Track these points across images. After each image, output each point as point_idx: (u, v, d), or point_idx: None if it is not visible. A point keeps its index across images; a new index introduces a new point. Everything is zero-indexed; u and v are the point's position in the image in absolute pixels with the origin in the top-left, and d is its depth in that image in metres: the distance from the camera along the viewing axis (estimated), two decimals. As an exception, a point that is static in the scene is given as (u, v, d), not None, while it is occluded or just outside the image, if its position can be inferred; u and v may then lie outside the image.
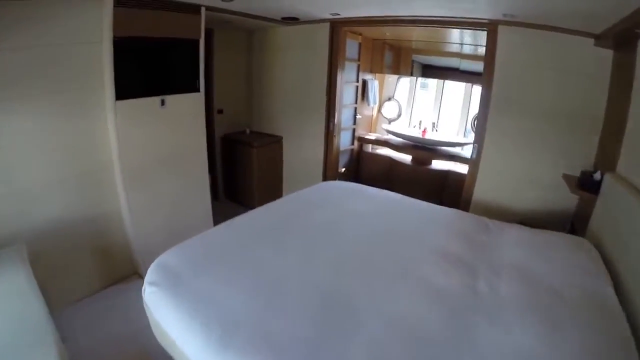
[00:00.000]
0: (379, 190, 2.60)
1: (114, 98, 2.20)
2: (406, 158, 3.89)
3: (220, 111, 3.70)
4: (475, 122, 2.81)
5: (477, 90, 3.80)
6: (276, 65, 3.68)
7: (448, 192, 3.61)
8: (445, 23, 2.67)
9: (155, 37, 2.35)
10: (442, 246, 1.78)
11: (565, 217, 2.50)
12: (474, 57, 3.74)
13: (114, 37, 2.12)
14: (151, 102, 2.43)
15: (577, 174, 2.24)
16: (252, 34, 3.79)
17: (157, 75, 2.45)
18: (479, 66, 3.70)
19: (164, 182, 2.59)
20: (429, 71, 4.00)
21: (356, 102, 3.87)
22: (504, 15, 2.31)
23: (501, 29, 2.47)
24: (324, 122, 3.41)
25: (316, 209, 2.15)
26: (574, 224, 2.40)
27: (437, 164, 3.72)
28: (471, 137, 3.72)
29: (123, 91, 2.25)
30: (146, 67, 2.38)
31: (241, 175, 3.74)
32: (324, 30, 3.20)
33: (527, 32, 2.40)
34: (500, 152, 2.64)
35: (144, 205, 2.49)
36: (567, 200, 2.43)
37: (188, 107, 2.66)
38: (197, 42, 2.59)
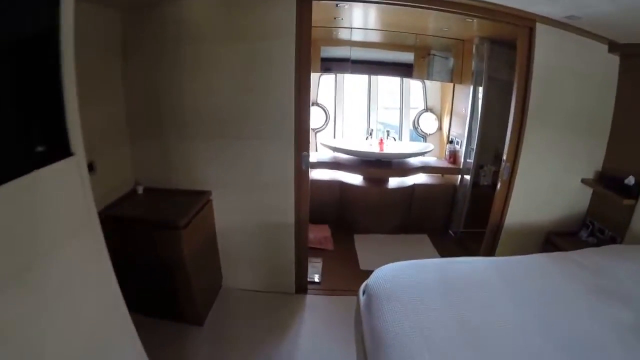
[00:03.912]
0: (459, 261, 1.76)
1: None
2: (356, 179, 3.07)
3: (88, 167, 1.63)
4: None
5: (414, 85, 3.41)
6: (187, 71, 2.01)
7: (417, 210, 3.14)
8: (470, 8, 1.96)
9: None
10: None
11: (580, 218, 2.53)
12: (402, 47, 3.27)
13: None
14: None
15: (589, 176, 2.43)
16: (128, 15, 1.95)
17: None
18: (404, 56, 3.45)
19: None
20: (354, 66, 3.19)
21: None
22: (567, 17, 1.90)
23: (539, 27, 2.03)
24: (291, 155, 2.07)
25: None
26: (593, 223, 2.46)
27: (395, 180, 3.13)
28: (419, 141, 3.35)
29: None
30: None
31: (157, 274, 1.97)
32: (285, 5, 1.84)
33: (560, 34, 2.07)
34: (533, 168, 2.31)
35: None
36: (580, 202, 2.50)
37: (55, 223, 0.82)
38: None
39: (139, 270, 2.01)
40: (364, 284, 1.71)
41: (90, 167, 1.80)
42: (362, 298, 1.63)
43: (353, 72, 3.11)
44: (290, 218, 2.20)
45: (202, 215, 2.06)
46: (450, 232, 3.18)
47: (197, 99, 2.07)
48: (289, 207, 2.18)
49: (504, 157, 2.28)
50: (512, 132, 2.21)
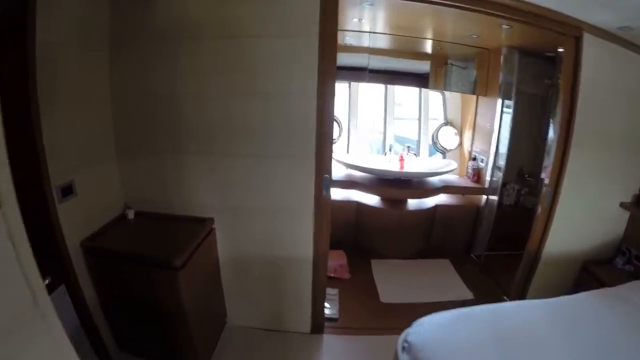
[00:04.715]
0: (509, 309, 1.54)
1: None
2: (372, 199, 2.83)
3: (68, 190, 1.53)
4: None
5: (433, 96, 3.20)
6: (186, 73, 1.75)
7: (438, 233, 2.90)
8: (515, 12, 1.75)
9: None
10: None
11: (616, 244, 2.34)
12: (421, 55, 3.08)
13: None
14: None
15: (628, 200, 2.24)
16: (116, 3, 1.69)
17: None
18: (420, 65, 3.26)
19: None
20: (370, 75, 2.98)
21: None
22: (620, 28, 1.73)
23: (586, 37, 1.83)
24: (310, 178, 1.81)
25: None
26: (629, 250, 2.27)
27: (413, 200, 2.90)
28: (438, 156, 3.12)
29: None
30: None
31: (151, 316, 1.71)
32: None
33: (606, 46, 1.88)
34: (574, 192, 2.09)
35: None
36: (617, 227, 2.32)
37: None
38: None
39: (129, 309, 1.75)
40: (402, 336, 1.46)
41: (70, 190, 1.56)
42: (402, 356, 1.38)
43: (370, 81, 2.88)
44: (308, 251, 1.93)
45: (204, 248, 1.79)
46: (473, 256, 2.95)
47: (198, 106, 1.80)
48: (306, 239, 1.91)
49: (546, 182, 2.05)
50: (555, 155, 1.99)
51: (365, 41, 2.96)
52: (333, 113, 1.80)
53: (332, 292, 2.38)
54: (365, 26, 2.80)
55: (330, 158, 1.83)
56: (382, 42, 3.03)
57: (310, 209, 1.85)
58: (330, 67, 1.70)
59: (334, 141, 3.11)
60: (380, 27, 2.85)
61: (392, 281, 2.59)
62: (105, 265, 1.67)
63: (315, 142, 1.77)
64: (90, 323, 1.72)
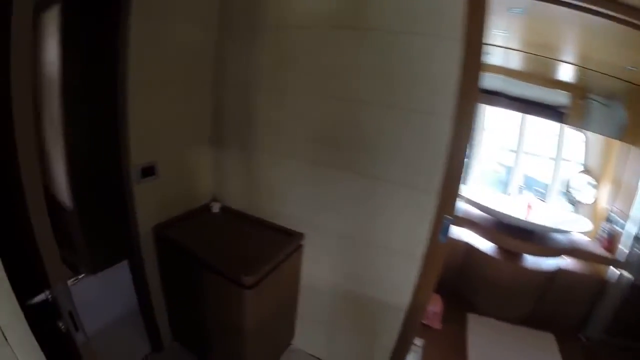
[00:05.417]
0: None
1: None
2: (485, 244, 2.49)
3: (148, 171, 1.52)
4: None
5: (571, 133, 2.73)
6: (296, 64, 1.59)
7: (551, 301, 2.42)
8: None
9: None
10: None
11: None
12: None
13: None
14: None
15: None
16: None
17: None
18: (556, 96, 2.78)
19: None
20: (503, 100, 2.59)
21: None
22: None
23: None
24: (428, 216, 1.50)
25: None
26: None
27: (530, 258, 2.43)
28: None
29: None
30: None
31: (210, 320, 1.61)
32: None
33: None
34: None
35: None
36: None
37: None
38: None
39: (189, 306, 1.68)
40: None
41: (151, 171, 1.54)
42: None
43: (504, 107, 2.50)
44: (404, 298, 1.62)
45: (286, 265, 1.61)
46: (581, 337, 2.42)
47: (304, 105, 1.61)
48: (406, 285, 1.60)
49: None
50: None
51: (495, 59, 2.58)
52: (469, 140, 1.48)
53: (417, 342, 2.07)
54: (498, 39, 2.43)
55: (456, 196, 1.52)
56: (515, 62, 2.63)
57: (419, 252, 1.54)
58: (472, 81, 1.36)
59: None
60: (516, 42, 2.46)
61: (487, 346, 2.18)
62: (173, 257, 1.61)
63: (444, 173, 1.47)
64: (147, 306, 1.71)
